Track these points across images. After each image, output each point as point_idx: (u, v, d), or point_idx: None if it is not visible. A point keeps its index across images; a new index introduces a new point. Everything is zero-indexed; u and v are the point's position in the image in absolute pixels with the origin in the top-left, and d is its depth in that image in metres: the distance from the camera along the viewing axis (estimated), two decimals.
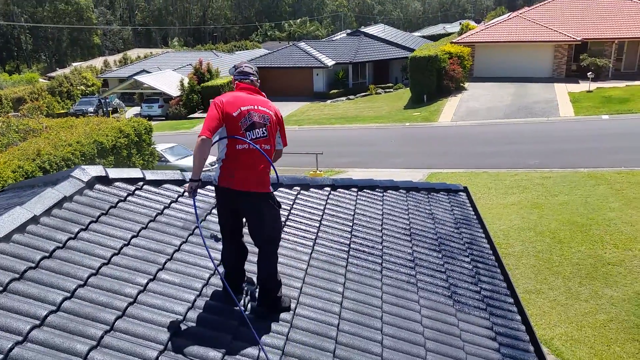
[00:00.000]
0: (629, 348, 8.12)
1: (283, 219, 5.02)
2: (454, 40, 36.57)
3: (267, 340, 3.26)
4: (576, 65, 33.64)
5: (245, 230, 3.75)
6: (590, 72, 29.79)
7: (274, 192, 3.74)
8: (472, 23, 49.68)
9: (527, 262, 10.99)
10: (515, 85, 32.33)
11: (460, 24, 53.14)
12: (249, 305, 3.57)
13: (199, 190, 4.58)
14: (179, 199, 4.57)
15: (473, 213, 6.80)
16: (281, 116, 3.66)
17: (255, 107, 3.42)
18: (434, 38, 51.74)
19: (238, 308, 3.36)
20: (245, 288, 3.68)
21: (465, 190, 7.43)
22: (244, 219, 3.64)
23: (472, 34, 37.23)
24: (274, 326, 3.42)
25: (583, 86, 30.00)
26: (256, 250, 3.61)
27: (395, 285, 4.46)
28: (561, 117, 24.84)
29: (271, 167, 3.50)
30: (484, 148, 20.90)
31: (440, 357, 3.70)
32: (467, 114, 27.29)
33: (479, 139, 22.46)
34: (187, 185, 3.34)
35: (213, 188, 3.62)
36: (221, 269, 3.68)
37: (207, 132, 3.24)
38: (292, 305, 3.71)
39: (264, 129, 3.43)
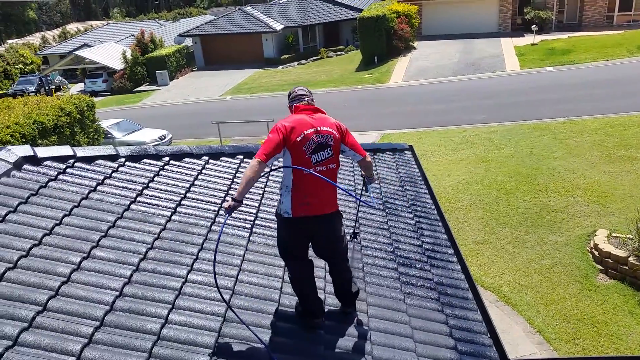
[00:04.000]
0: (571, 289, 8.60)
1: (225, 187, 5.00)
2: None
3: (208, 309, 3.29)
4: (521, 19, 34.19)
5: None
6: (534, 25, 30.37)
7: None
8: None
9: (475, 214, 11.37)
10: (463, 41, 32.68)
11: None
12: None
13: None
14: (113, 174, 4.46)
15: (418, 171, 6.95)
16: (345, 128, 3.55)
17: (318, 129, 3.34)
18: None
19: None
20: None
21: (411, 148, 7.57)
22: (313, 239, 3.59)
23: None
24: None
25: (528, 39, 30.59)
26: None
27: None
28: (507, 71, 25.37)
29: (337, 186, 3.48)
30: (434, 106, 21.20)
31: (381, 309, 3.83)
32: (417, 73, 27.49)
33: (429, 98, 22.74)
34: (227, 203, 3.18)
35: (277, 217, 3.49)
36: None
37: (263, 155, 3.16)
38: (235, 273, 3.74)
39: (329, 149, 3.36)
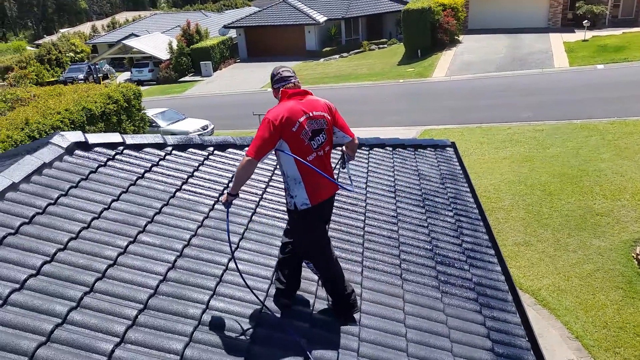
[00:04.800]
0: (613, 296, 8.32)
1: (266, 179, 5.06)
2: None
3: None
4: (572, 14, 33.04)
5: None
6: (586, 21, 29.28)
7: None
8: None
9: (517, 215, 11.11)
10: (510, 36, 31.84)
11: None
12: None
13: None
14: (160, 162, 4.58)
15: (459, 168, 6.84)
16: (335, 109, 3.49)
17: (311, 115, 3.25)
18: None
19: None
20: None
21: (453, 145, 7.45)
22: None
23: None
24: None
25: (579, 35, 29.54)
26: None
27: (376, 240, 4.53)
28: (556, 68, 24.58)
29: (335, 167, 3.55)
30: (478, 102, 20.77)
31: (418, 307, 3.81)
32: (461, 68, 26.98)
33: (472, 94, 22.29)
34: (224, 197, 3.29)
35: (294, 216, 3.37)
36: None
37: (255, 153, 3.08)
38: (273, 263, 3.78)
39: (323, 132, 3.31)
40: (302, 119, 3.20)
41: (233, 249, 3.27)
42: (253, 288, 3.39)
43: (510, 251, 9.74)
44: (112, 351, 2.61)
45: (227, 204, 3.28)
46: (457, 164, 6.94)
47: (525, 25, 33.38)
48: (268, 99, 26.39)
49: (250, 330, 3.08)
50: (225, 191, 3.33)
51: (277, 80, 3.42)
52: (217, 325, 3.03)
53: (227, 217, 3.44)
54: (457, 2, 32.11)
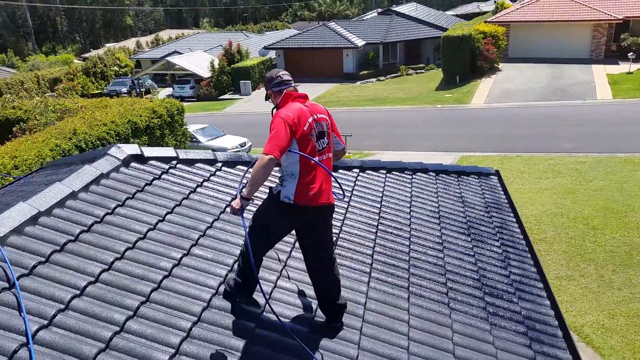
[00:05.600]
0: None
1: None
2: (488, 20, 35.65)
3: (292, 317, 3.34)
4: (616, 46, 32.44)
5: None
6: (631, 53, 28.71)
7: None
8: (507, 1, 48.24)
9: (559, 248, 10.81)
10: (552, 66, 31.43)
11: (495, 2, 51.63)
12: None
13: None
14: (211, 177, 4.66)
15: (504, 197, 6.72)
16: (331, 114, 3.51)
17: (316, 117, 3.28)
18: (468, 17, 50.50)
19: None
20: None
21: (497, 173, 7.34)
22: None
23: (507, 13, 36.21)
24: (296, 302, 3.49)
25: (623, 67, 28.94)
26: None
27: (422, 267, 4.47)
28: (598, 100, 24.09)
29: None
30: (518, 131, 20.47)
31: (467, 338, 3.72)
32: (501, 95, 26.72)
33: (512, 122, 22.00)
34: (235, 202, 3.11)
35: (271, 198, 3.31)
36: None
37: (277, 151, 3.01)
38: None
39: (326, 137, 3.33)
40: (310, 120, 3.24)
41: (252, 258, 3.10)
42: (301, 305, 3.37)
43: (552, 285, 9.40)
44: None
45: (241, 210, 3.10)
46: (502, 192, 6.83)
47: (567, 56, 32.93)
48: None
49: (304, 345, 3.06)
50: (238, 195, 3.15)
51: (278, 84, 3.40)
52: (268, 339, 3.03)
53: (244, 223, 3.22)
54: (498, 31, 31.97)
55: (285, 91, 3.35)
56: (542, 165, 16.18)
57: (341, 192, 3.54)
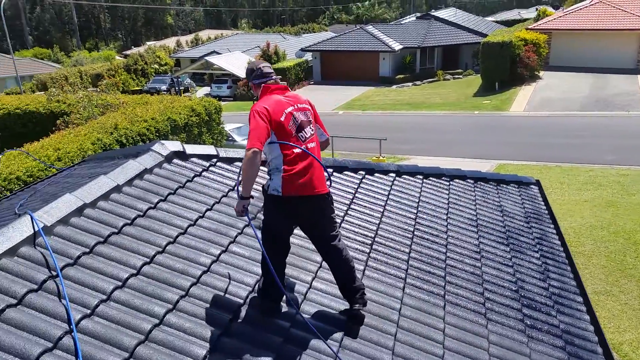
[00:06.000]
0: None
1: (347, 201, 5.06)
2: (529, 27, 34.97)
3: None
4: None
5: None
6: None
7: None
8: (549, 9, 47.19)
9: (598, 262, 10.49)
10: (594, 75, 30.56)
11: (536, 9, 50.65)
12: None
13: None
14: None
15: (544, 207, 6.57)
16: (313, 105, 3.49)
17: (297, 107, 3.28)
18: (508, 24, 49.67)
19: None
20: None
21: (537, 183, 7.18)
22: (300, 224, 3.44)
23: (549, 21, 35.43)
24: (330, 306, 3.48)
25: None
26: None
27: (459, 275, 4.41)
28: None
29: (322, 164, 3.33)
30: (558, 140, 19.97)
31: (503, 350, 3.65)
32: (541, 104, 26.14)
33: (552, 131, 21.48)
34: (237, 204, 3.16)
35: (264, 195, 3.33)
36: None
37: (258, 143, 3.01)
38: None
39: (310, 126, 3.31)
40: (288, 110, 3.21)
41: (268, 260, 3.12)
42: (336, 309, 3.37)
43: (590, 300, 9.17)
44: (205, 357, 2.67)
45: (243, 211, 3.14)
46: (542, 203, 6.67)
47: (611, 65, 31.96)
48: (340, 121, 26.70)
49: (337, 343, 3.05)
50: (236, 197, 3.14)
51: (258, 76, 3.39)
52: (302, 338, 3.03)
53: (252, 225, 3.30)
54: (539, 38, 31.31)
55: (263, 85, 3.35)
56: (582, 176, 15.74)
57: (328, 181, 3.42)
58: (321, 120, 3.52)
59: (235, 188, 3.45)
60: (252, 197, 3.14)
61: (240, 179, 3.24)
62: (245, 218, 3.25)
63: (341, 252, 3.33)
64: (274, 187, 3.16)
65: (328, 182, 3.37)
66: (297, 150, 3.16)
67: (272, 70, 3.43)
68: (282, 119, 3.16)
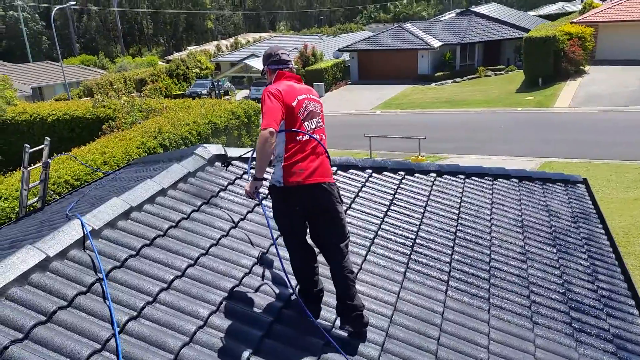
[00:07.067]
0: None
1: (387, 202, 5.02)
2: (574, 20, 33.81)
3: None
4: None
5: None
6: None
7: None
8: (595, 1, 45.62)
9: None
10: None
11: (582, 1, 48.94)
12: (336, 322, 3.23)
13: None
14: None
15: (592, 207, 6.35)
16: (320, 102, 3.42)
17: (309, 96, 3.24)
18: (552, 17, 48.15)
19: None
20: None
21: (585, 182, 6.94)
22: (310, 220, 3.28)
23: (595, 13, 34.15)
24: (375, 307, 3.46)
25: None
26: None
27: (504, 277, 4.31)
28: None
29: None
30: (605, 137, 19.24)
31: (551, 354, 3.54)
32: (586, 99, 25.25)
33: (598, 127, 20.72)
34: (248, 184, 3.16)
35: (269, 191, 3.28)
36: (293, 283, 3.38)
37: (273, 123, 2.95)
38: (396, 289, 3.71)
39: (319, 118, 3.27)
40: (301, 97, 3.18)
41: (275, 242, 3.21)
42: (377, 312, 3.36)
43: None
44: (248, 358, 2.69)
45: (254, 193, 3.13)
46: (590, 202, 6.44)
47: None
48: (378, 121, 26.55)
49: (379, 347, 3.03)
50: (250, 178, 3.07)
51: (275, 62, 3.36)
52: (343, 342, 3.03)
53: (265, 212, 3.34)
54: (585, 32, 30.22)
55: (278, 71, 3.32)
56: (631, 173, 15.11)
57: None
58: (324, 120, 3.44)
59: (248, 169, 3.39)
60: (264, 179, 3.10)
61: (254, 157, 3.20)
62: (256, 199, 3.21)
63: (343, 259, 3.15)
64: (276, 178, 3.12)
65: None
66: (301, 138, 3.11)
67: (290, 59, 3.42)
68: (294, 104, 3.12)
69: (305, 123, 3.15)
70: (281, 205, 3.19)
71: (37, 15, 68.65)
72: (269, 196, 3.36)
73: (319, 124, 3.25)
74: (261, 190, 3.39)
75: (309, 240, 3.31)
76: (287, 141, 3.10)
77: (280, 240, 3.58)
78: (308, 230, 3.28)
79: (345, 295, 3.09)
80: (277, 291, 3.27)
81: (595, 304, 4.33)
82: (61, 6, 50.55)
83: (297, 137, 3.09)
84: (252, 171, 3.20)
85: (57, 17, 56.28)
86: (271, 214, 3.34)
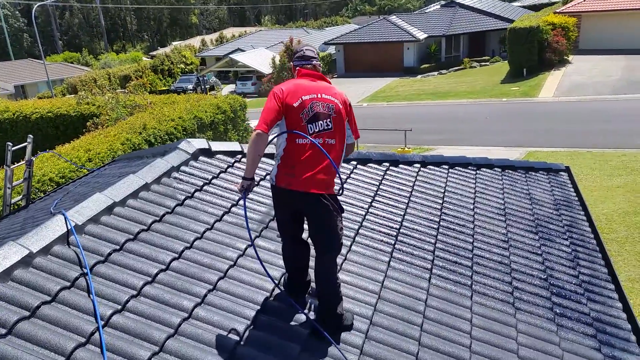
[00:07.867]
0: None
1: (372, 193, 5.07)
2: (557, 10, 34.06)
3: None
4: None
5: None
6: None
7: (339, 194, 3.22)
8: None
9: (632, 248, 10.22)
10: (627, 57, 29.61)
11: None
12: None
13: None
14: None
15: (574, 194, 6.45)
16: (350, 104, 3.24)
17: (319, 96, 3.05)
18: (536, 8, 48.43)
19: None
20: (309, 300, 3.32)
21: (567, 170, 7.04)
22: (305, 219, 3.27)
23: (578, 3, 34.41)
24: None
25: None
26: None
27: (486, 265, 4.37)
28: None
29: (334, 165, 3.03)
30: (589, 126, 19.48)
31: (532, 339, 3.61)
32: (571, 89, 25.51)
33: (583, 116, 20.96)
34: (239, 183, 3.11)
35: (269, 186, 3.33)
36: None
37: (263, 125, 2.90)
38: (380, 278, 3.76)
39: (329, 120, 3.03)
40: (306, 97, 3.03)
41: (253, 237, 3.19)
42: (362, 301, 3.40)
43: (623, 287, 8.94)
44: (234, 349, 2.73)
45: (245, 191, 3.07)
46: (572, 190, 6.54)
47: None
48: (365, 113, 26.60)
49: (362, 335, 3.08)
50: (240, 177, 3.08)
51: (299, 58, 3.28)
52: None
53: (245, 207, 3.21)
54: (568, 22, 30.48)
55: (298, 67, 3.25)
56: (614, 161, 15.33)
57: (339, 186, 3.21)
58: (355, 120, 3.32)
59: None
60: (253, 179, 3.06)
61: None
62: (242, 196, 3.17)
63: (331, 268, 3.12)
64: (272, 175, 3.13)
65: (337, 188, 3.17)
66: (300, 141, 2.98)
67: (315, 56, 3.29)
68: (296, 104, 2.99)
69: (309, 125, 2.99)
70: (275, 200, 3.22)
71: (17, 12, 67.55)
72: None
73: (327, 127, 3.03)
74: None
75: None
76: (287, 142, 3.02)
77: (258, 241, 3.72)
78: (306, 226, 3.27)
79: (328, 304, 3.10)
80: (263, 283, 3.30)
81: (577, 289, 4.42)
82: (42, 2, 49.79)
83: (297, 140, 2.98)
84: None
85: (38, 13, 55.47)
86: (250, 214, 3.38)
